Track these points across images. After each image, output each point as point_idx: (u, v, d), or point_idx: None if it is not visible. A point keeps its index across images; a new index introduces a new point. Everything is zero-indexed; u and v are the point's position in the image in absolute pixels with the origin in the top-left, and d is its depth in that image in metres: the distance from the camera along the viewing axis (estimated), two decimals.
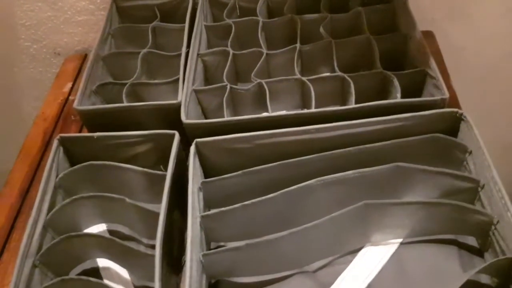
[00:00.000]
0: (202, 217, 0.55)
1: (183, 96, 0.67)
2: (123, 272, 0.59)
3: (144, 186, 0.62)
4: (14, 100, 1.13)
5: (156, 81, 0.77)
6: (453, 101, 0.75)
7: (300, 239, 0.54)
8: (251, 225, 0.57)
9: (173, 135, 0.62)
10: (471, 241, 0.58)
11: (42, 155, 0.79)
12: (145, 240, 0.63)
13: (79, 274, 0.59)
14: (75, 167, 0.62)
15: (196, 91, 0.72)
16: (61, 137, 0.64)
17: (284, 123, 0.61)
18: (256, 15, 0.82)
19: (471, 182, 0.57)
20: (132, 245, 0.55)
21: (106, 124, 0.67)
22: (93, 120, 0.70)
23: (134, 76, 0.74)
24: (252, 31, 0.80)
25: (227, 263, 0.55)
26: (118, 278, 0.59)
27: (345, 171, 0.57)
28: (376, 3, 0.81)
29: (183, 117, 0.64)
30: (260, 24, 0.80)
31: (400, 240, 0.59)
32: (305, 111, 0.66)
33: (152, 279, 0.48)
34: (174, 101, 0.66)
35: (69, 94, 0.90)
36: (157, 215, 0.53)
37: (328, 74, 0.75)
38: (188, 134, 0.64)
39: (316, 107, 0.66)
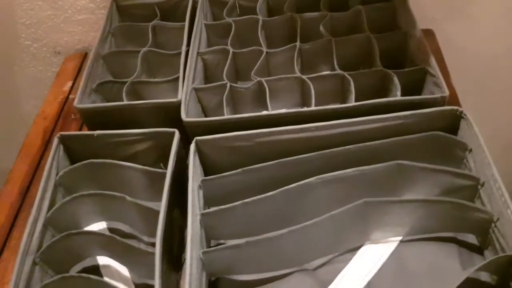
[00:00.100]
0: (202, 215, 0.55)
1: (183, 94, 0.67)
2: (123, 270, 0.59)
3: (144, 184, 0.62)
4: (14, 99, 1.13)
5: (156, 79, 0.77)
6: (453, 99, 0.75)
7: (300, 237, 0.54)
8: (251, 223, 0.57)
9: (173, 133, 0.62)
10: (471, 239, 0.58)
11: (42, 154, 0.79)
12: (145, 238, 0.63)
13: (79, 272, 0.59)
14: (75, 165, 0.62)
15: (196, 90, 0.72)
16: (61, 135, 0.64)
17: (284, 121, 0.61)
18: (256, 14, 0.82)
19: (471, 180, 0.57)
20: (133, 243, 0.55)
21: (106, 122, 0.67)
22: (93, 119, 0.70)
23: (134, 75, 0.75)
24: (252, 29, 0.80)
25: (227, 260, 0.55)
26: (118, 276, 0.59)
27: (345, 169, 0.57)
28: (376, 1, 0.81)
29: (183, 115, 0.64)
30: (260, 22, 0.80)
31: (400, 238, 0.59)
32: (305, 109, 0.67)
33: (152, 276, 0.48)
34: (174, 99, 0.66)
35: (69, 93, 0.90)
36: (157, 213, 0.53)
37: (328, 72, 0.75)
38: (188, 132, 0.65)
39: (316, 105, 0.66)
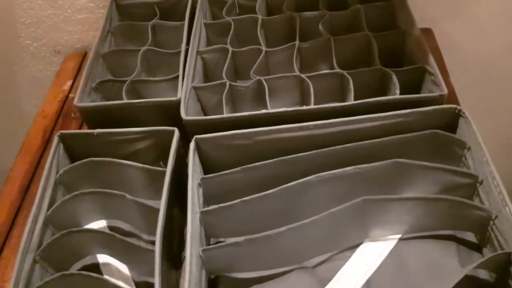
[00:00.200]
0: (202, 212, 0.56)
1: (182, 93, 0.67)
2: (123, 268, 0.60)
3: (144, 183, 0.62)
4: (14, 98, 1.13)
5: (155, 78, 0.77)
6: (452, 97, 0.76)
7: (299, 234, 0.54)
8: (250, 221, 0.57)
9: (173, 131, 0.62)
10: (470, 236, 0.58)
11: (42, 153, 0.79)
12: (145, 236, 0.63)
13: (79, 270, 0.59)
14: (75, 163, 0.62)
15: (195, 88, 0.72)
16: (61, 133, 0.64)
17: (283, 120, 0.61)
18: (255, 13, 0.82)
19: (469, 178, 0.57)
20: (133, 241, 0.55)
21: (106, 121, 0.67)
22: (93, 117, 0.70)
23: (134, 74, 0.75)
24: (251, 28, 0.80)
25: (226, 258, 0.55)
26: (118, 274, 0.59)
27: (344, 167, 0.57)
28: (375, 0, 0.81)
29: (182, 114, 0.64)
30: (259, 21, 0.80)
31: (399, 236, 0.59)
32: (304, 107, 0.67)
33: (152, 274, 0.49)
34: (174, 98, 0.66)
35: (69, 92, 0.90)
36: (157, 211, 0.53)
37: (327, 71, 0.76)
38: (187, 131, 0.65)
39: (315, 104, 0.66)
